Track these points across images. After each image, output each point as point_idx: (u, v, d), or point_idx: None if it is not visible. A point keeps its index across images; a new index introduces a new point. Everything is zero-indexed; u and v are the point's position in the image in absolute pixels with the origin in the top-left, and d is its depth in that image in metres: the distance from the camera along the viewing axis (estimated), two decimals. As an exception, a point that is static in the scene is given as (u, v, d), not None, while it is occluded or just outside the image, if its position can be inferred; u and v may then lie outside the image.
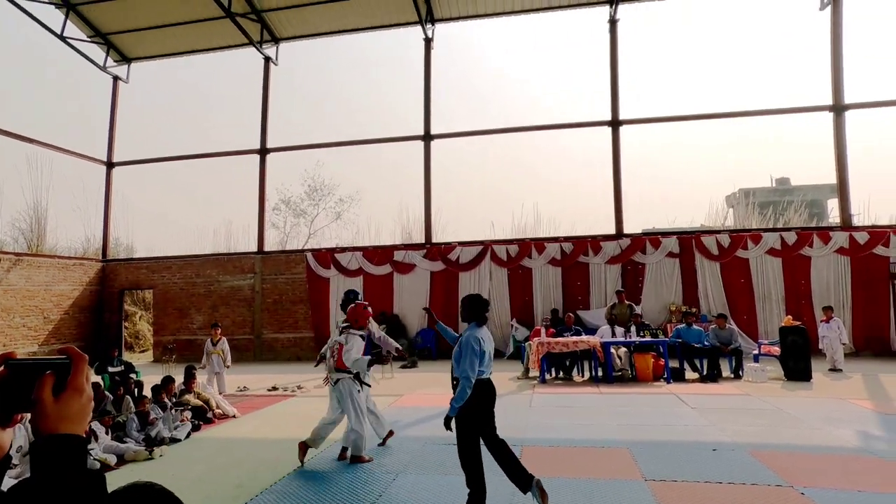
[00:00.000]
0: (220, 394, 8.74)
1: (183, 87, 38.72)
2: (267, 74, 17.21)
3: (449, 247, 15.13)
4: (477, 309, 4.21)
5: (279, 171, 32.56)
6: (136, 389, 7.69)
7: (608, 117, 14.99)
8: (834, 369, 10.33)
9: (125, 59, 18.20)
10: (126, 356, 16.31)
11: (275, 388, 10.14)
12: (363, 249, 15.69)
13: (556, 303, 14.27)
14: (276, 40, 17.23)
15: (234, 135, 37.72)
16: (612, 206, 14.81)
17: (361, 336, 5.57)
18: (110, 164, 18.00)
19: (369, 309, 5.72)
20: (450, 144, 19.84)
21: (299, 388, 10.17)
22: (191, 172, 47.68)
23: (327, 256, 15.59)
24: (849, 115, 13.81)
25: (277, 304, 15.89)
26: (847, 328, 12.11)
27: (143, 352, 19.60)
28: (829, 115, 13.91)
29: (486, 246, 14.84)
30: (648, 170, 33.31)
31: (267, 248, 16.85)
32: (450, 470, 4.97)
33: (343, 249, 15.95)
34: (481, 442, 4.13)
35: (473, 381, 3.97)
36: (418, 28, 16.04)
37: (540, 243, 14.64)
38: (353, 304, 5.77)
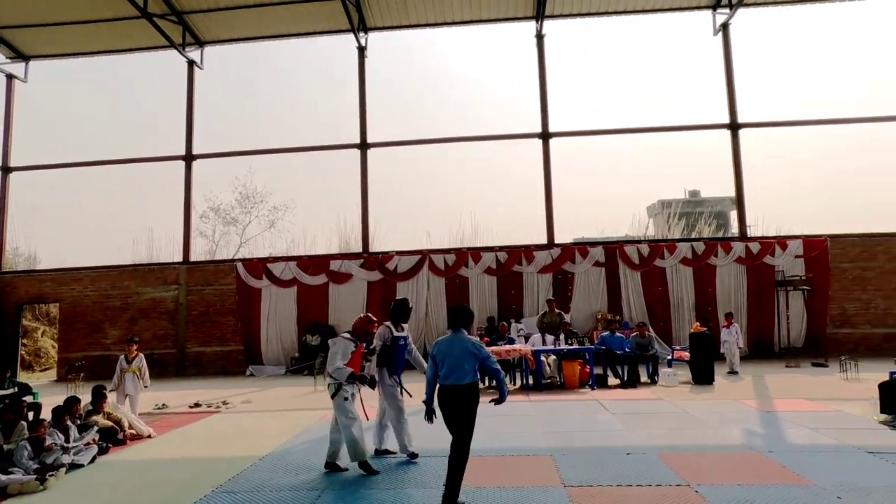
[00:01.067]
0: (134, 413, 8.18)
1: (107, 89, 36.46)
2: (191, 78, 16.66)
3: (387, 256, 15.22)
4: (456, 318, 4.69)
5: (208, 178, 31.32)
6: (30, 413, 7.06)
7: (539, 129, 15.64)
8: (732, 372, 11.32)
9: (21, 56, 17.03)
10: (23, 376, 15.15)
11: (197, 405, 9.80)
12: (297, 259, 15.48)
13: (492, 311, 14.67)
14: (200, 43, 16.73)
15: (160, 140, 35.92)
16: (544, 217, 15.45)
17: (355, 344, 5.64)
18: (6, 169, 16.74)
19: (375, 325, 5.93)
20: (387, 154, 19.93)
21: (224, 403, 9.88)
22: (111, 179, 44.84)
23: (259, 266, 15.25)
24: (743, 133, 15.18)
25: (204, 316, 15.35)
26: (743, 333, 13.26)
27: (45, 370, 18.25)
28: (727, 133, 15.23)
29: (424, 255, 15.05)
30: (579, 180, 34.80)
31: (194, 257, 16.24)
32: (376, 485, 5.09)
33: (276, 259, 15.66)
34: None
35: (427, 381, 4.60)
36: (352, 36, 16.04)
37: (476, 253, 15.02)
38: (361, 315, 5.96)
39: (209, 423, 8.39)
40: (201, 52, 16.87)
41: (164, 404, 9.96)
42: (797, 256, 14.15)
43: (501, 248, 15.16)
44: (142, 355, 8.78)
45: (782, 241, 14.33)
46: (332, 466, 5.56)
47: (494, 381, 4.97)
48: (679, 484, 4.80)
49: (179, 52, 16.21)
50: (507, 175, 31.42)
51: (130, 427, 7.41)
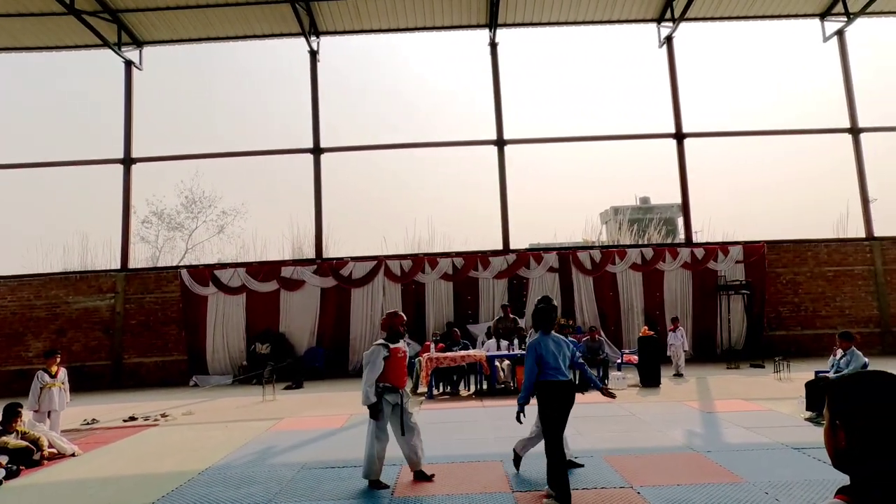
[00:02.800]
0: (56, 431, 7.47)
1: (35, 87, 34.54)
2: (129, 79, 15.98)
3: (341, 262, 14.98)
4: (540, 318, 4.69)
5: (152, 182, 30.13)
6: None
7: (494, 137, 15.80)
8: (677, 374, 11.70)
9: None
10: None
11: (133, 419, 9.26)
12: (247, 265, 15.02)
13: (448, 317, 14.64)
14: (138, 44, 16.06)
15: (97, 142, 34.28)
16: (499, 223, 15.59)
17: (388, 348, 5.12)
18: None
19: (403, 317, 5.39)
20: (342, 158, 19.70)
21: (163, 416, 9.40)
22: (42, 182, 42.38)
23: (205, 273, 14.71)
24: (689, 142, 15.82)
25: (143, 325, 14.63)
26: (688, 336, 13.75)
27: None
28: (673, 142, 15.83)
29: (380, 261, 14.89)
30: (535, 188, 35.40)
31: (134, 264, 15.51)
32: (323, 496, 4.96)
33: (224, 265, 15.16)
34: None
35: (532, 381, 4.55)
36: (303, 40, 15.79)
37: (433, 258, 14.98)
38: (387, 313, 5.54)
39: (144, 438, 7.94)
40: (140, 52, 16.17)
41: (93, 419, 9.32)
42: (738, 262, 14.80)
43: (458, 254, 15.18)
44: (64, 369, 8.06)
45: (724, 246, 14.97)
46: (418, 475, 5.28)
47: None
48: (623, 486, 4.89)
49: (115, 52, 15.49)
50: (464, 181, 31.65)
51: (51, 446, 6.78)
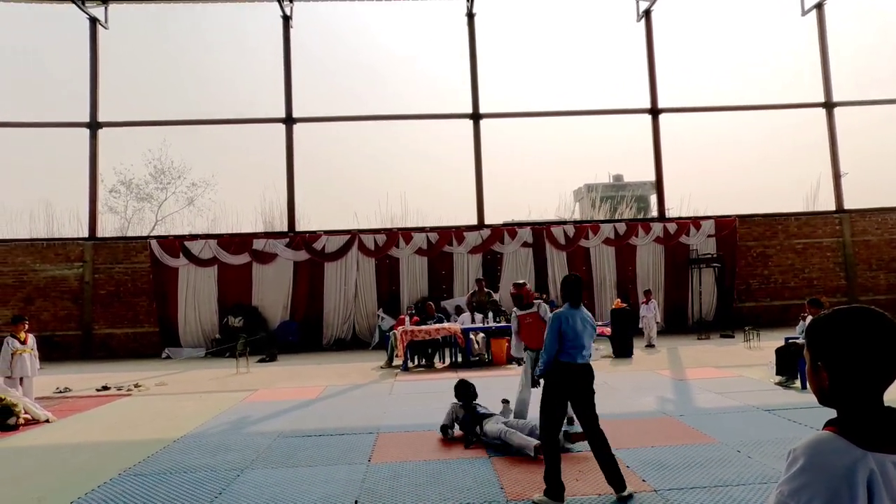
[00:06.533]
0: (30, 397, 7.42)
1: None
2: (94, 38, 15.15)
3: (314, 235, 14.74)
4: (570, 289, 4.26)
5: (120, 150, 29.02)
6: None
7: (470, 110, 15.60)
8: (649, 345, 11.96)
9: None
10: None
11: (106, 388, 9.09)
12: (218, 237, 14.66)
13: (423, 291, 14.62)
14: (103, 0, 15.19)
15: (59, 105, 32.72)
16: (474, 198, 15.51)
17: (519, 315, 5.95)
18: None
19: (524, 286, 6.12)
20: (315, 130, 19.26)
21: (137, 386, 9.21)
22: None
23: (176, 244, 14.31)
24: (664, 117, 15.90)
25: (114, 296, 14.24)
26: (660, 308, 14.02)
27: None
28: (648, 118, 15.90)
29: (354, 235, 14.70)
30: (510, 164, 35.35)
31: (102, 233, 14.99)
32: (300, 462, 4.93)
33: (195, 237, 14.76)
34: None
35: (553, 356, 4.03)
36: (276, 4, 15.20)
37: (407, 233, 14.85)
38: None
39: (118, 406, 7.80)
40: (105, 9, 15.31)
41: (65, 388, 9.15)
42: (709, 236, 15.09)
43: (433, 229, 15.08)
44: (32, 336, 7.87)
45: (696, 221, 15.22)
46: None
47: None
48: (596, 450, 4.96)
49: (79, 7, 14.64)
50: (439, 155, 31.38)
51: (26, 412, 6.74)
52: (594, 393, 4.14)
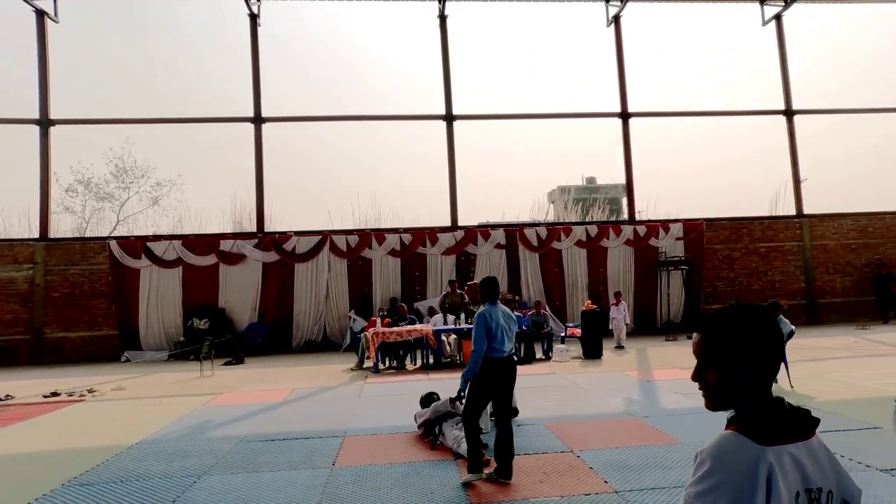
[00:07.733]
0: None
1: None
2: (43, 31, 14.48)
3: (284, 236, 14.46)
4: (489, 288, 4.52)
5: (75, 149, 28.01)
6: None
7: (443, 111, 15.55)
8: (619, 346, 12.08)
9: None
10: None
11: (55, 394, 8.66)
12: (183, 238, 14.25)
13: (396, 293, 14.47)
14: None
15: (9, 101, 31.48)
16: (447, 199, 15.45)
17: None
18: None
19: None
20: (285, 129, 18.95)
21: (90, 391, 8.83)
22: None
23: (137, 245, 13.85)
24: (634, 122, 16.13)
25: (68, 298, 13.66)
26: (630, 310, 14.19)
27: None
28: (619, 122, 16.12)
29: (325, 236, 14.47)
30: (484, 166, 35.45)
31: (56, 234, 14.40)
32: (261, 467, 4.79)
33: (158, 238, 14.31)
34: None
35: (482, 353, 4.27)
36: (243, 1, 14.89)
37: (380, 234, 14.70)
38: None
39: (68, 413, 7.45)
40: (55, 1, 14.57)
41: (7, 395, 8.65)
42: (678, 238, 15.35)
43: (406, 230, 14.96)
44: None
45: (665, 224, 15.48)
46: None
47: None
48: (563, 451, 4.96)
49: (23, -1, 13.89)
50: (414, 156, 31.23)
51: None
52: (514, 384, 4.52)
